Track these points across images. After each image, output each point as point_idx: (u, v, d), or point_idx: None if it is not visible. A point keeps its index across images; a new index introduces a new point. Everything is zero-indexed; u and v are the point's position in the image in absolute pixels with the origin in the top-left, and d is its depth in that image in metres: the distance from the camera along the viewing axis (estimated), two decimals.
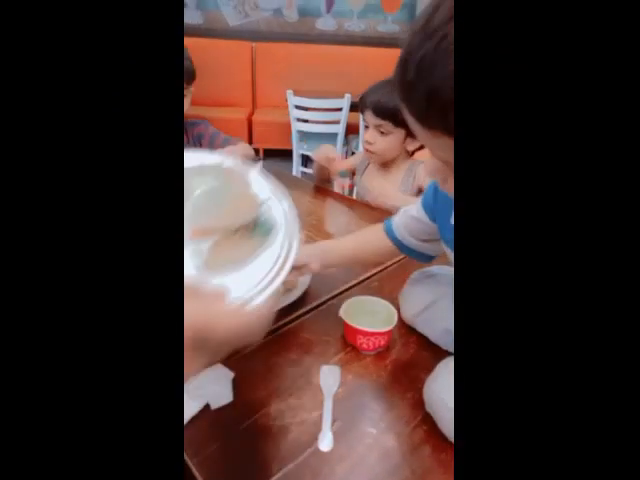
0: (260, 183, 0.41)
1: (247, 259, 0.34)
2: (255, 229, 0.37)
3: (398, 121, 0.94)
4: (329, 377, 0.48)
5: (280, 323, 0.57)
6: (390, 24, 3.41)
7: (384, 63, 3.11)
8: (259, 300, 0.31)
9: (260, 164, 0.43)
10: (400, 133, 0.97)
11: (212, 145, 1.08)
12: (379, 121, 0.95)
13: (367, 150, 1.01)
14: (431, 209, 0.52)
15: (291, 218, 0.38)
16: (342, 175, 1.00)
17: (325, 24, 3.44)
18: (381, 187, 1.00)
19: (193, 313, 0.27)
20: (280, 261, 0.35)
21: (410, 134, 0.98)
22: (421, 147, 1.00)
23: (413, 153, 1.03)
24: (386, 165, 1.05)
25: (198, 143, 1.13)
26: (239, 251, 0.35)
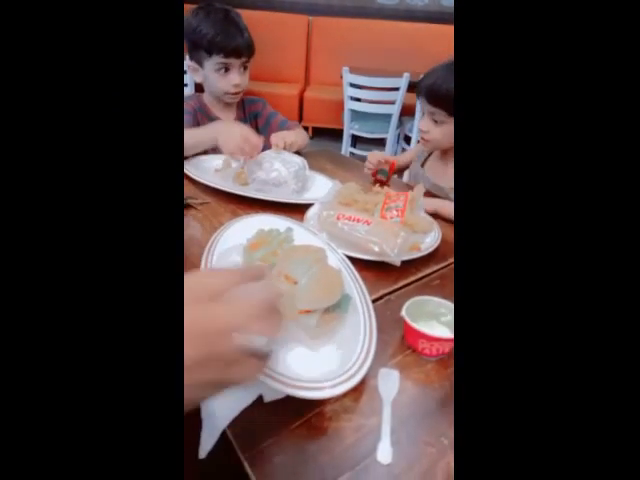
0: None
1: (340, 328, 0.49)
2: (340, 302, 0.49)
3: (452, 110, 0.85)
4: (388, 381, 0.45)
5: None
6: None
7: (446, 41, 2.94)
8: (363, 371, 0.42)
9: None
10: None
11: (268, 126, 1.06)
12: (432, 108, 0.88)
13: (422, 139, 0.95)
14: None
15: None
16: (381, 173, 1.00)
17: None
18: (440, 176, 0.94)
19: None
20: (368, 330, 0.48)
21: None
22: None
23: None
24: (446, 153, 0.99)
25: (253, 121, 1.11)
26: (335, 323, 0.49)
